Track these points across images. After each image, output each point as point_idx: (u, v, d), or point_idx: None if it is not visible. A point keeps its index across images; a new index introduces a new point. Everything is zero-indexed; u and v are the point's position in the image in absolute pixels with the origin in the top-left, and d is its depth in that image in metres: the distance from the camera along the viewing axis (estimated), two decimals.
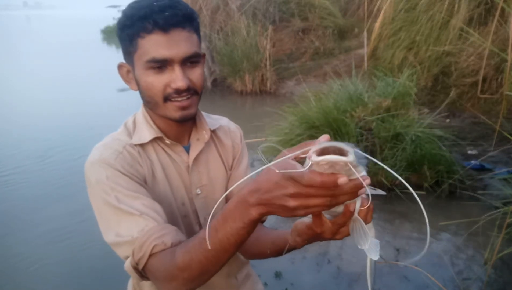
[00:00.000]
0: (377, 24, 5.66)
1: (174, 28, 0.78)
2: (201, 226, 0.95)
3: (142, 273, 0.77)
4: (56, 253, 2.78)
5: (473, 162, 3.54)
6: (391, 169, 0.57)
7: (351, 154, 0.48)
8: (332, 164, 0.48)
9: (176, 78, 0.81)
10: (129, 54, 0.85)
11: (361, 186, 0.52)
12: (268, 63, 6.85)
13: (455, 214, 2.94)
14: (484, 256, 2.50)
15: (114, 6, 13.22)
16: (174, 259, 0.71)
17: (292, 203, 0.52)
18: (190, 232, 0.93)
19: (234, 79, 7.11)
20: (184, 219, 0.93)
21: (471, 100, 4.59)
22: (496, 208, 2.64)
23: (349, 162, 0.48)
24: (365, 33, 5.81)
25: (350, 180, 0.50)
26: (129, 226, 0.76)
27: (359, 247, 0.59)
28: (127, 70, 0.90)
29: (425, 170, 3.24)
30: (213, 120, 1.01)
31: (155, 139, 0.90)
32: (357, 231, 0.61)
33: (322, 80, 5.62)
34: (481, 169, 3.48)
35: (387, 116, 3.52)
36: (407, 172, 3.27)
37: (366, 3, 6.30)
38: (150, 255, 0.74)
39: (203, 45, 7.47)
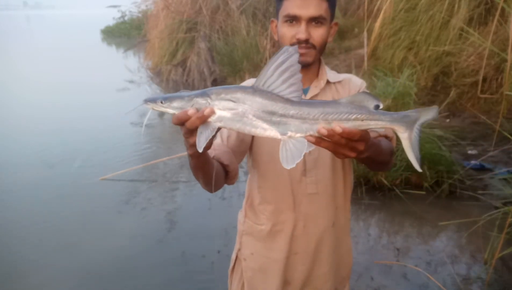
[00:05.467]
0: (377, 24, 5.65)
1: None
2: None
3: None
4: (60, 260, 2.78)
5: (473, 162, 3.54)
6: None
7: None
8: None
9: (300, 31, 1.04)
10: (277, 11, 1.10)
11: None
12: None
13: (455, 214, 2.94)
14: (484, 256, 2.50)
15: (114, 6, 13.17)
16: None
17: None
18: None
19: (234, 79, 7.10)
20: None
21: (471, 100, 4.58)
22: (496, 208, 2.64)
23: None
24: (365, 33, 5.80)
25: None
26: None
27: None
28: (276, 25, 1.14)
29: (425, 170, 3.24)
30: (336, 75, 1.21)
31: None
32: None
33: None
34: (481, 169, 3.48)
35: None
36: (407, 172, 3.27)
37: (366, 3, 6.29)
38: None
39: (202, 45, 7.47)
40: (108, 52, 15.76)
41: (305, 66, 1.08)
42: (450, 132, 3.72)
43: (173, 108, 0.78)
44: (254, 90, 0.76)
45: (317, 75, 1.17)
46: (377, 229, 2.99)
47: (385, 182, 3.28)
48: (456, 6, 4.93)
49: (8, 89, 8.37)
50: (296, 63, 0.73)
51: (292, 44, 1.05)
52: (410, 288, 2.35)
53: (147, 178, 3.94)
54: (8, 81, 9.19)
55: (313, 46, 1.07)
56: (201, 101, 0.77)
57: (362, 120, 0.77)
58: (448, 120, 4.39)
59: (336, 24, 1.15)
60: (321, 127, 0.75)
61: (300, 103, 0.76)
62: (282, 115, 0.76)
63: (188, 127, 0.76)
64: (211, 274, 2.50)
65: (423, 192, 3.23)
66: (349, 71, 4.97)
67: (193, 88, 7.51)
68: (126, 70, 9.38)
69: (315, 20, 1.04)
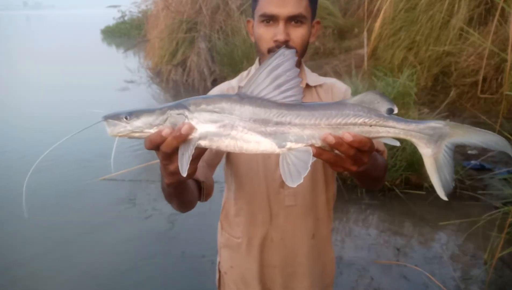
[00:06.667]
0: (377, 24, 5.66)
1: None
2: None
3: None
4: (54, 259, 2.78)
5: (473, 162, 3.54)
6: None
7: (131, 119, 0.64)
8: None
9: (278, 31, 0.94)
10: (253, 10, 1.01)
11: None
12: None
13: (455, 214, 2.94)
14: (484, 256, 2.50)
15: (114, 6, 13.16)
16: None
17: None
18: (269, 173, 1.06)
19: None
20: (267, 160, 1.06)
21: (471, 100, 4.58)
22: (496, 208, 2.64)
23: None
24: (365, 33, 5.81)
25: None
26: None
27: None
28: (252, 25, 1.04)
29: (425, 170, 3.24)
30: (318, 78, 1.12)
31: None
32: None
33: None
34: (481, 169, 3.48)
35: None
36: (407, 172, 3.27)
37: (366, 3, 6.29)
38: None
39: (202, 45, 7.46)
40: (108, 52, 15.76)
41: None
42: None
43: (140, 126, 0.63)
44: (241, 97, 0.64)
45: None
46: (377, 229, 2.99)
47: (385, 182, 3.28)
48: (456, 6, 4.93)
49: (7, 90, 8.37)
50: (293, 67, 0.63)
51: (270, 48, 0.97)
52: (410, 288, 2.35)
53: (147, 178, 3.94)
54: (8, 82, 9.19)
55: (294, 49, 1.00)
56: (176, 114, 0.63)
57: (371, 126, 0.64)
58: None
59: (318, 22, 1.05)
60: (328, 134, 0.62)
61: (297, 106, 0.64)
62: (278, 123, 0.63)
63: (164, 151, 0.63)
64: (211, 274, 2.49)
65: (423, 192, 3.23)
66: (349, 71, 4.97)
67: (193, 88, 7.50)
68: (126, 70, 9.38)
69: (294, 19, 0.95)
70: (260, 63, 1.06)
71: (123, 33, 17.92)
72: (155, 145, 0.63)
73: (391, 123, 0.64)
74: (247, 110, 0.63)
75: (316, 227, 1.13)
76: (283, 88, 0.63)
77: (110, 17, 19.15)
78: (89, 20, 42.84)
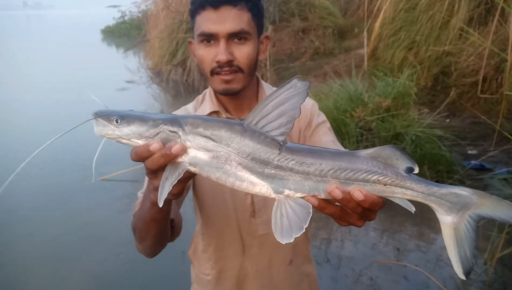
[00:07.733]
0: (377, 24, 5.67)
1: (224, 5, 0.84)
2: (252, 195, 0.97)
3: None
4: (54, 258, 2.78)
5: (473, 162, 3.54)
6: None
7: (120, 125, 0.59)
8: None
9: (219, 51, 0.85)
10: (192, 30, 0.92)
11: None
12: (268, 63, 6.85)
13: None
14: (484, 256, 2.50)
15: (114, 6, 13.18)
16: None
17: None
18: (238, 202, 0.98)
19: None
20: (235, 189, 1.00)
21: (471, 100, 4.58)
22: None
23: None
24: (365, 33, 5.81)
25: None
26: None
27: None
28: (194, 46, 0.95)
29: (425, 170, 3.24)
30: None
31: (214, 113, 0.97)
32: None
33: (322, 80, 5.62)
34: (481, 169, 3.48)
35: (387, 116, 3.52)
36: None
37: (366, 3, 6.30)
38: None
39: None
40: (108, 52, 15.75)
41: (235, 94, 0.91)
42: (450, 132, 3.72)
43: (129, 134, 0.58)
44: (244, 128, 0.57)
45: (257, 99, 0.99)
46: (377, 229, 2.99)
47: None
48: (456, 6, 4.94)
49: (7, 89, 8.37)
50: (298, 106, 0.55)
51: (213, 69, 0.88)
52: (410, 288, 2.35)
53: None
54: (8, 81, 9.19)
55: (240, 69, 0.88)
56: (170, 131, 0.57)
57: (385, 185, 0.57)
58: (448, 120, 4.39)
59: (267, 37, 0.96)
60: (335, 188, 0.56)
61: (303, 151, 0.58)
62: (278, 167, 0.57)
63: (148, 167, 0.58)
64: None
65: None
66: (349, 71, 4.97)
67: (193, 88, 7.50)
68: (126, 70, 9.38)
69: (236, 36, 0.86)
70: (208, 84, 0.97)
71: (123, 33, 17.93)
72: (140, 158, 0.58)
73: (409, 184, 0.57)
74: (247, 145, 0.57)
75: (294, 252, 1.07)
76: (282, 128, 0.57)
77: (110, 17, 19.18)
78: (89, 20, 42.85)
